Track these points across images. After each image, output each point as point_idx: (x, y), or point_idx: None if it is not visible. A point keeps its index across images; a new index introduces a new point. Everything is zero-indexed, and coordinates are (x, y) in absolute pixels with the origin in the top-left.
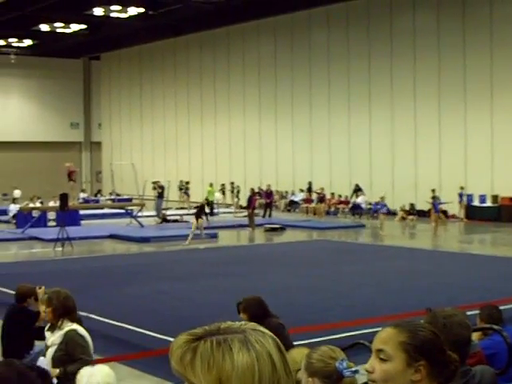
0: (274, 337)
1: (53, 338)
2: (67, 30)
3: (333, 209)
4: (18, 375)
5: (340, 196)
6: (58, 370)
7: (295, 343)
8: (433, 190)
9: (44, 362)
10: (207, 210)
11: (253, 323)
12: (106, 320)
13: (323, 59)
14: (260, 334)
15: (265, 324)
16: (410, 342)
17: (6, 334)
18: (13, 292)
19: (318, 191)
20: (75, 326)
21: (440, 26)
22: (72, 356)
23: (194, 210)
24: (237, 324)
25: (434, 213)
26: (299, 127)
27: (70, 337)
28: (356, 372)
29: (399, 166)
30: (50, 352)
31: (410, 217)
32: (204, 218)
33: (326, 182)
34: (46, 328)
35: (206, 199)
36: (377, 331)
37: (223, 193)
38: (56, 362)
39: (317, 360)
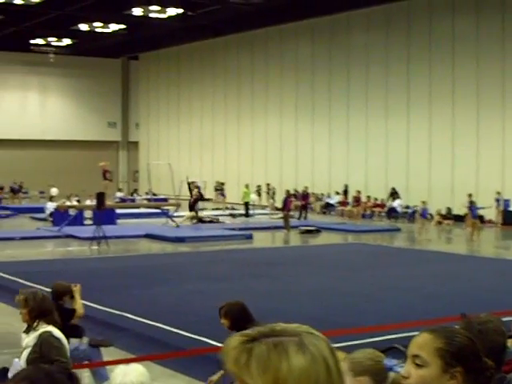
0: (327, 340)
1: (27, 340)
2: (106, 30)
3: (368, 212)
4: (46, 377)
5: (376, 199)
6: None
7: None
8: (469, 195)
9: (18, 364)
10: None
11: (306, 326)
12: (140, 319)
13: (362, 62)
14: (315, 337)
15: (245, 330)
16: (446, 348)
17: None
18: (49, 289)
19: (355, 195)
20: (50, 328)
21: (479, 30)
22: (47, 358)
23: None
24: (291, 327)
25: (471, 218)
26: (336, 129)
27: (45, 338)
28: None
29: (436, 170)
30: (25, 354)
31: (447, 221)
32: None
33: (361, 184)
34: (23, 330)
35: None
36: (411, 335)
37: (259, 194)
38: (30, 364)
39: (366, 359)
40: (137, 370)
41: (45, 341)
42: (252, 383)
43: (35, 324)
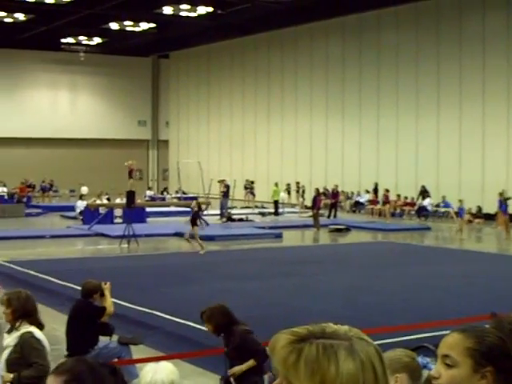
0: (377, 346)
1: (8, 340)
2: (136, 29)
3: (398, 210)
4: (89, 370)
5: (406, 198)
6: (11, 375)
7: None
8: (500, 193)
9: None
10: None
11: (356, 330)
12: (170, 317)
13: (391, 61)
14: (365, 343)
15: (229, 332)
16: (476, 348)
17: (71, 329)
18: (79, 287)
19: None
20: (32, 329)
21: (509, 28)
22: (27, 359)
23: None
24: (342, 330)
25: (503, 215)
26: (366, 127)
27: (26, 340)
28: None
29: (466, 168)
30: (5, 354)
31: (477, 220)
32: (200, 222)
33: (391, 183)
34: (6, 330)
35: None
36: (442, 335)
37: (288, 192)
38: (11, 365)
39: (402, 356)
40: (167, 367)
41: (26, 342)
42: None
43: (17, 324)
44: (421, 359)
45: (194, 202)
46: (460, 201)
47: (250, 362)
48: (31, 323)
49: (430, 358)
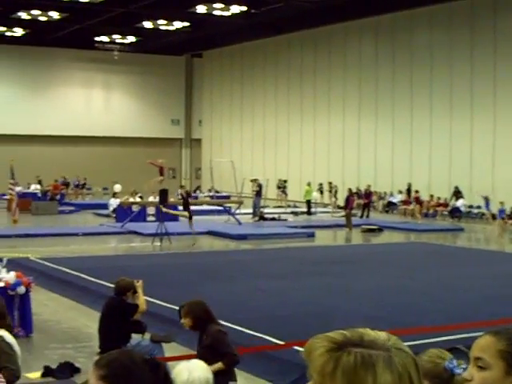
0: (415, 356)
1: None
2: (170, 28)
3: (431, 211)
4: (127, 367)
5: (439, 198)
6: None
7: None
8: None
9: None
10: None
11: (395, 338)
12: None
13: (425, 61)
14: (404, 354)
15: (205, 330)
16: (509, 351)
17: (104, 326)
18: (111, 285)
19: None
20: (2, 333)
21: None
22: None
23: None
24: (381, 338)
25: None
26: (399, 128)
27: None
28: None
29: (500, 170)
30: None
31: (511, 221)
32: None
33: (424, 183)
34: None
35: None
36: (474, 336)
37: (321, 192)
38: None
39: (425, 361)
40: (200, 365)
41: None
42: None
43: None
44: (448, 363)
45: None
46: (501, 203)
47: (218, 365)
48: (1, 327)
49: (457, 361)
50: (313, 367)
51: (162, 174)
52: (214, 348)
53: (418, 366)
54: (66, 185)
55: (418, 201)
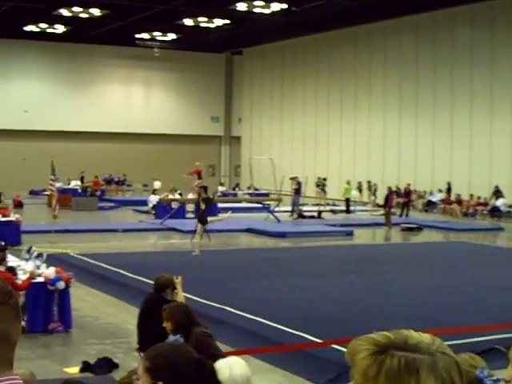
0: (458, 360)
1: None
2: (211, 25)
3: (471, 210)
4: (172, 363)
5: (479, 197)
6: None
7: None
8: None
9: None
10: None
11: (439, 342)
12: (240, 312)
13: (465, 61)
14: (447, 359)
15: (188, 333)
16: None
17: (143, 323)
18: (150, 281)
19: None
20: None
21: None
22: None
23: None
24: (425, 342)
25: None
26: (440, 127)
27: None
28: (498, 382)
29: None
30: None
31: None
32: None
33: (464, 182)
34: None
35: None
36: None
37: (360, 191)
38: None
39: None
40: (240, 362)
41: None
42: None
43: None
44: (479, 372)
45: (202, 194)
46: None
47: None
48: None
49: (489, 372)
50: (356, 370)
51: (200, 177)
52: (199, 350)
53: (460, 371)
54: (110, 181)
55: (459, 200)
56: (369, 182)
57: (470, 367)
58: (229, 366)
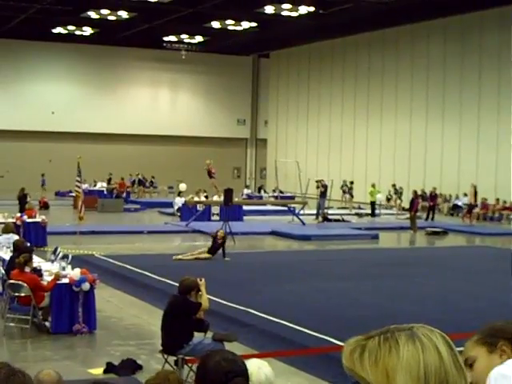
0: (443, 333)
1: None
2: (238, 28)
3: (497, 215)
4: (211, 369)
5: (505, 202)
6: None
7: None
8: None
9: None
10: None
11: (424, 325)
12: (264, 315)
13: (493, 66)
14: (427, 329)
15: None
16: None
17: (167, 324)
18: (175, 283)
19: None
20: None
21: None
22: None
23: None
24: (407, 325)
25: None
26: (466, 130)
27: None
28: None
29: None
30: None
31: None
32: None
33: (491, 186)
34: None
35: None
36: None
37: (388, 200)
38: None
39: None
40: (264, 364)
41: None
42: (364, 375)
43: None
44: None
45: (221, 232)
46: None
47: None
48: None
49: None
50: (344, 358)
51: (211, 176)
52: None
53: (449, 344)
54: (140, 183)
55: (485, 205)
56: (394, 185)
57: None
58: (258, 366)
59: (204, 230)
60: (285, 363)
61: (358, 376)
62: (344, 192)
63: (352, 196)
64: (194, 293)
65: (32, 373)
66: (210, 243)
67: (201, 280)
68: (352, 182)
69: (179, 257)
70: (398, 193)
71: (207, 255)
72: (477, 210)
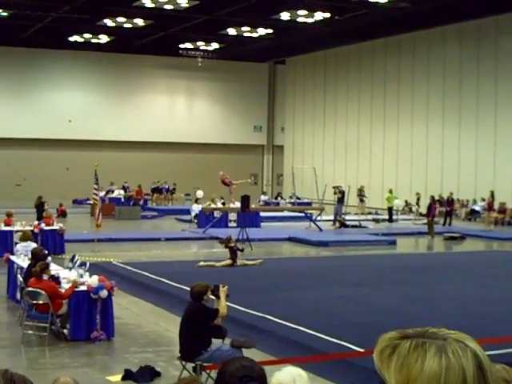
0: (478, 353)
1: None
2: (254, 34)
3: None
4: (230, 373)
5: None
6: None
7: None
8: None
9: None
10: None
11: (462, 334)
12: (283, 322)
13: (510, 68)
14: (461, 345)
15: None
16: None
17: (185, 331)
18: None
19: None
20: None
21: None
22: None
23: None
24: (446, 331)
25: None
26: (483, 135)
27: None
28: None
29: None
30: None
31: None
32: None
33: (508, 191)
34: None
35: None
36: None
37: (410, 210)
38: None
39: (502, 371)
40: (301, 375)
41: None
42: (388, 378)
43: None
44: None
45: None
46: None
47: None
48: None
49: None
50: (375, 353)
51: (226, 184)
52: None
53: (481, 365)
54: (160, 190)
55: (491, 208)
56: (418, 193)
57: (503, 381)
58: (299, 374)
59: (221, 237)
60: (303, 369)
61: (382, 375)
62: (361, 201)
63: (363, 202)
64: (206, 297)
65: (50, 380)
66: (226, 251)
67: (223, 286)
68: (362, 187)
69: (202, 264)
70: (415, 198)
71: (229, 261)
72: (494, 214)
